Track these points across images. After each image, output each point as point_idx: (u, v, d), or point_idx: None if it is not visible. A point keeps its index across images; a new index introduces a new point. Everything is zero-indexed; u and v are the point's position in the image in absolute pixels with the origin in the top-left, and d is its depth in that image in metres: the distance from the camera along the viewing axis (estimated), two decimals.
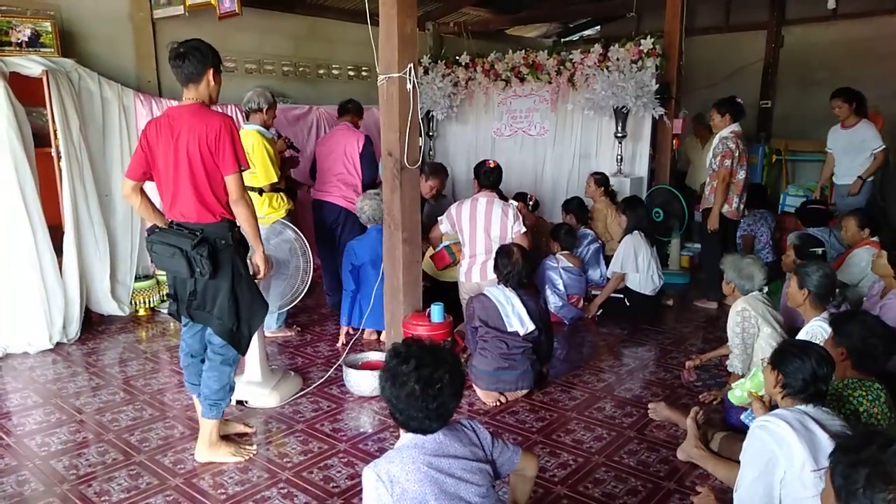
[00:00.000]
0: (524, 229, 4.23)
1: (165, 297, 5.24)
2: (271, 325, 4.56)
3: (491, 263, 4.09)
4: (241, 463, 2.92)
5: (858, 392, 2.41)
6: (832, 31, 8.06)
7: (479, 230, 4.24)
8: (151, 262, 3.71)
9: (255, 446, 3.07)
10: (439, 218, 4.47)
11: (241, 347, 2.94)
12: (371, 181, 5.02)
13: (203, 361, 3.00)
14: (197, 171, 2.70)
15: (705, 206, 5.23)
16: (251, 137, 4.18)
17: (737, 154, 4.98)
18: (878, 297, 3.51)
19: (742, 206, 5.19)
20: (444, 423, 1.80)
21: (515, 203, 4.53)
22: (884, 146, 5.41)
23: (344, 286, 4.37)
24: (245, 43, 6.15)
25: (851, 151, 5.48)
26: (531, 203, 5.84)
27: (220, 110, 4.06)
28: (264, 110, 4.31)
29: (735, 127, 5.04)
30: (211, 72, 2.76)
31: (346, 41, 6.90)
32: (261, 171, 4.20)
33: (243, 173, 2.79)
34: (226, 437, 3.09)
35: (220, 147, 2.68)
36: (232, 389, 2.98)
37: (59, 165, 4.51)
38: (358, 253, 4.29)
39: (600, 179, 5.62)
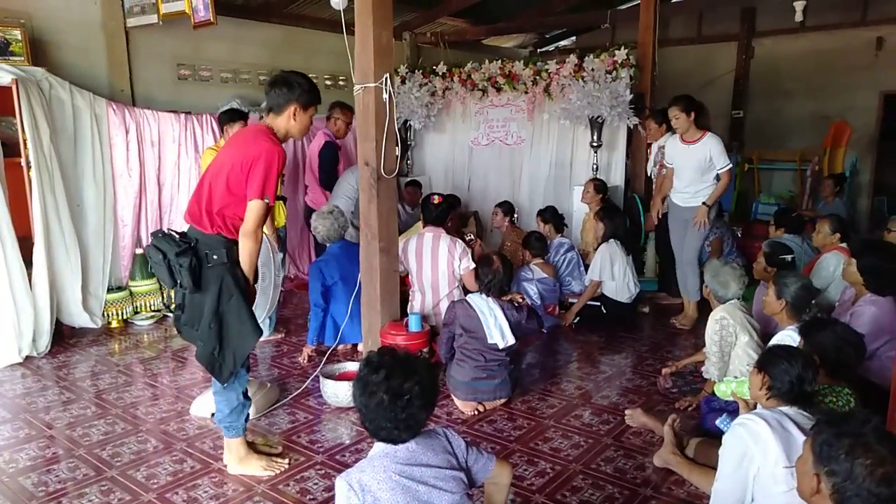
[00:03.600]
0: (473, 265, 4.07)
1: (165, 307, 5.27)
2: (266, 331, 4.60)
3: (443, 304, 4.06)
4: (272, 477, 2.86)
5: (829, 398, 2.48)
6: (801, 44, 8.27)
7: (426, 267, 4.19)
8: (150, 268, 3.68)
9: (286, 460, 2.99)
10: None
11: (222, 375, 2.73)
12: (326, 186, 5.31)
13: None
14: (220, 176, 2.64)
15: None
16: None
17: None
18: (850, 304, 3.56)
19: None
20: (413, 433, 1.79)
21: (464, 241, 4.36)
22: (730, 165, 4.74)
23: (313, 303, 4.23)
24: (220, 52, 6.13)
25: (693, 169, 4.80)
26: (516, 217, 5.82)
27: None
28: None
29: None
30: (293, 108, 2.73)
31: (323, 51, 6.90)
32: None
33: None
34: (256, 450, 3.01)
35: (253, 170, 2.59)
36: (244, 406, 2.88)
37: (28, 175, 4.43)
38: (326, 273, 4.19)
39: (600, 186, 5.39)
